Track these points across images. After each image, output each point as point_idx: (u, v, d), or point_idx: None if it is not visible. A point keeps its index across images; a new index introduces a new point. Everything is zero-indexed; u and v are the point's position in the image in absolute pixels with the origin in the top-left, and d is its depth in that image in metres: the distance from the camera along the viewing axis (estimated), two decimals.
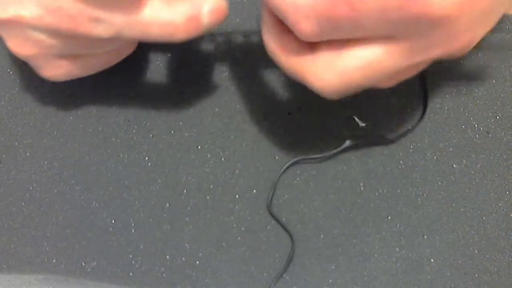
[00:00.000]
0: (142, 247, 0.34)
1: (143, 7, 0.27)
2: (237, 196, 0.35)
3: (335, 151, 0.35)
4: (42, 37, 0.28)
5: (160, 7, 0.27)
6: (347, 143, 0.35)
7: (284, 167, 0.35)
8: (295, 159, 0.35)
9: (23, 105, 0.37)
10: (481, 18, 0.25)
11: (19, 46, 0.29)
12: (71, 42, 0.29)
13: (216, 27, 0.28)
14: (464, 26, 0.24)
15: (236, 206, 0.35)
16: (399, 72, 0.27)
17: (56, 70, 0.31)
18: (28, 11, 0.27)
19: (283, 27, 0.26)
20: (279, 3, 0.25)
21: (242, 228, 0.35)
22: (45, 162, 0.36)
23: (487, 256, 0.34)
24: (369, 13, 0.23)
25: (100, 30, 0.27)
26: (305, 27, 0.24)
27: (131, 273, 0.34)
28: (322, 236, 0.34)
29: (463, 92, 0.37)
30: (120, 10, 0.27)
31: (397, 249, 0.34)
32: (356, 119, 0.35)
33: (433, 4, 0.22)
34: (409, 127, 0.36)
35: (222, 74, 0.37)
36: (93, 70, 0.32)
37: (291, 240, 0.34)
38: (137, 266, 0.34)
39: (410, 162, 0.36)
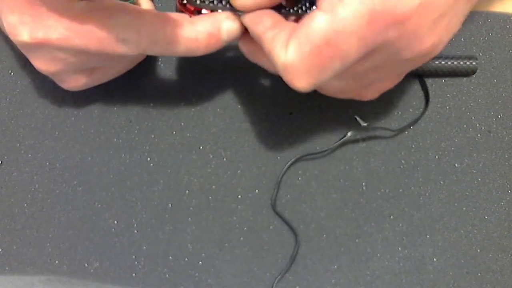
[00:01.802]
0: (144, 247, 0.34)
1: (168, 27, 0.28)
2: (239, 196, 0.35)
3: (337, 143, 0.35)
4: (67, 56, 0.29)
5: (184, 26, 0.28)
6: (349, 134, 0.35)
7: (288, 164, 0.35)
8: (298, 156, 0.35)
9: (24, 106, 0.37)
10: (441, 20, 0.26)
11: (45, 65, 0.30)
12: (94, 58, 0.30)
13: (234, 41, 0.30)
14: (426, 29, 0.25)
15: (239, 206, 0.35)
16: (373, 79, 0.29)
17: (77, 82, 0.32)
18: (56, 34, 0.28)
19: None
20: (275, 62, 0.26)
21: (245, 228, 0.34)
22: (47, 163, 0.36)
23: (490, 255, 0.34)
24: (349, 44, 0.25)
25: (127, 50, 0.28)
26: (300, 83, 0.26)
27: (134, 274, 0.34)
28: (324, 236, 0.34)
29: (465, 91, 0.37)
30: (147, 31, 0.28)
31: (399, 249, 0.34)
32: (358, 119, 0.35)
33: (395, 10, 0.24)
34: (411, 121, 0.36)
35: (223, 74, 0.37)
36: (109, 78, 0.34)
37: (295, 239, 0.34)
38: (140, 266, 0.34)
39: (412, 162, 0.36)
